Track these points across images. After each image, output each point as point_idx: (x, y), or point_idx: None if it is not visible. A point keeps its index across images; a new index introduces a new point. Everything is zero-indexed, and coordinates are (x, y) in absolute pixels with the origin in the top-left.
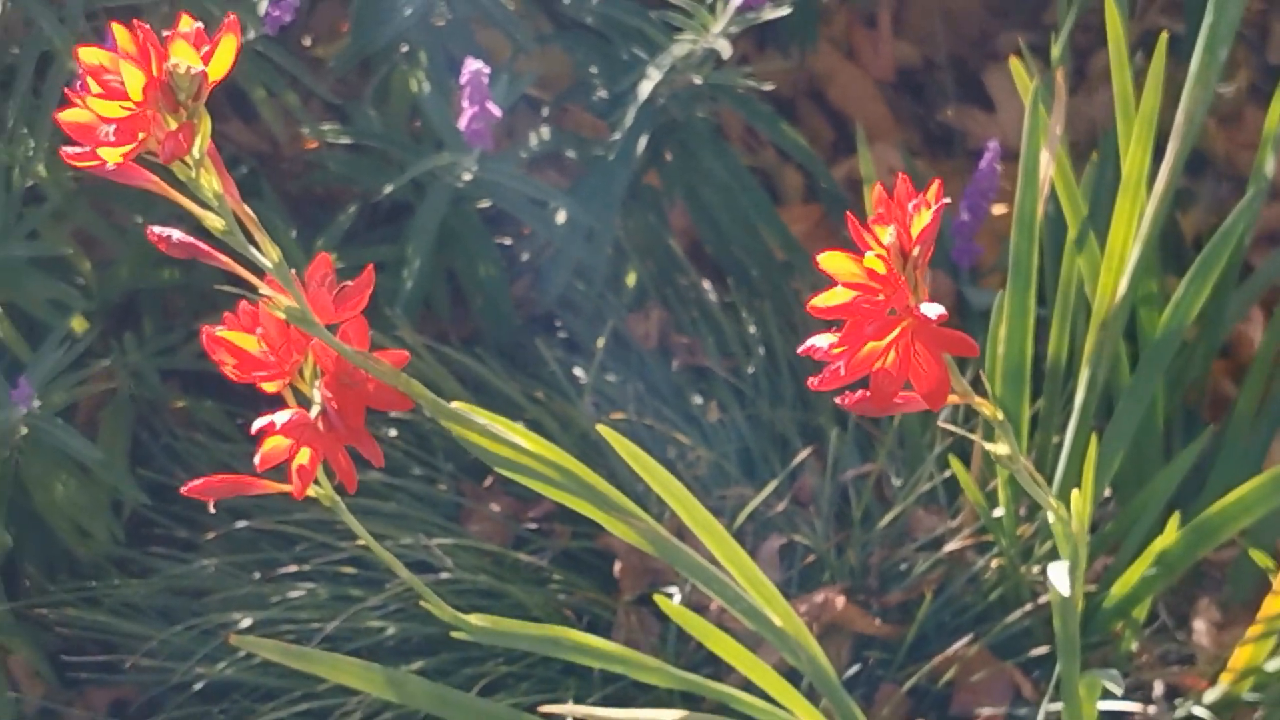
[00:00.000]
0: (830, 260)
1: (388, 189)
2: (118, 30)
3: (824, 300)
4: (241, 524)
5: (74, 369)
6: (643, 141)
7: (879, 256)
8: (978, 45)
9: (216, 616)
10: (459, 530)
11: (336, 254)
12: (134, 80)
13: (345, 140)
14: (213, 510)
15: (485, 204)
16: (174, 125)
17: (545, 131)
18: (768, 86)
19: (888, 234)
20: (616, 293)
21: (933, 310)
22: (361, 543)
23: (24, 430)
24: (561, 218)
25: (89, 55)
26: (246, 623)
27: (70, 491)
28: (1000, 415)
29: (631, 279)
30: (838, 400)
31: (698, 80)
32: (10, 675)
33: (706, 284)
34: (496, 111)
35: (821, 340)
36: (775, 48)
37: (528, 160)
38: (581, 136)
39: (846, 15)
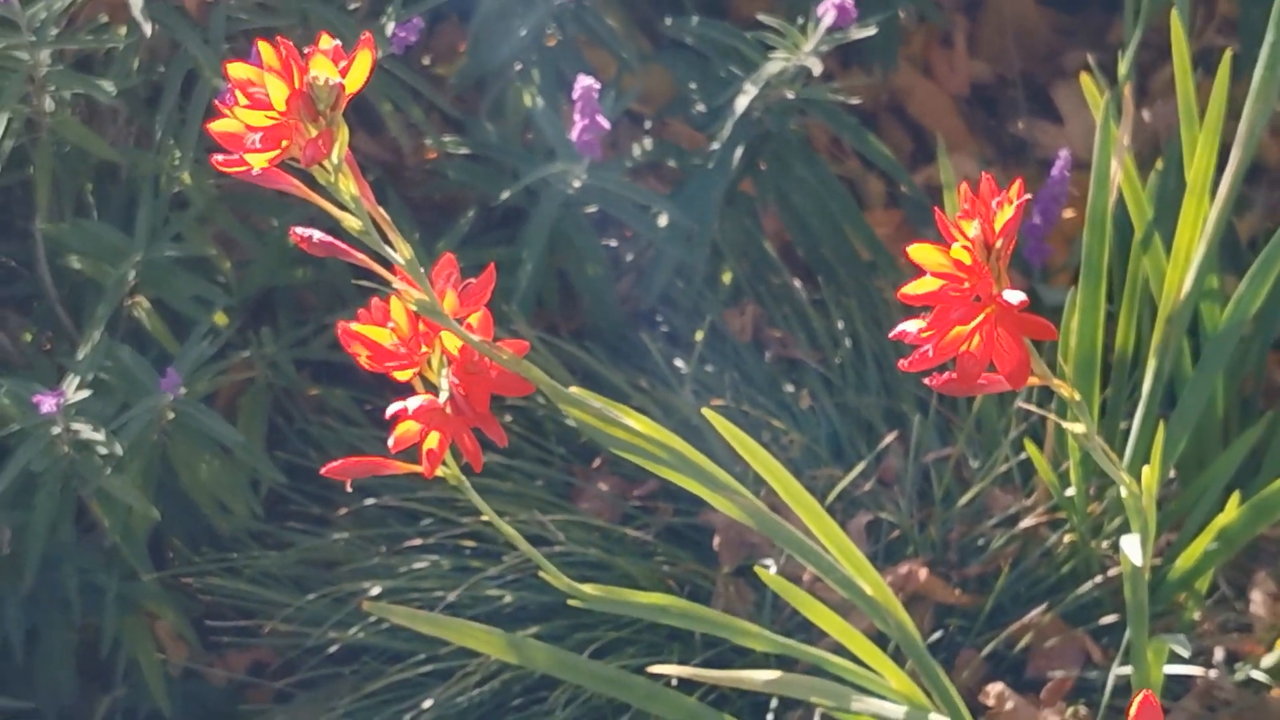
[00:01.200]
0: (919, 251)
1: (503, 195)
2: (263, 47)
3: (914, 288)
4: (370, 501)
5: (216, 360)
6: (739, 152)
7: (964, 247)
8: (1046, 62)
9: (347, 585)
10: (570, 507)
11: (456, 255)
12: (278, 92)
13: (464, 150)
14: (348, 489)
15: (593, 209)
16: (314, 133)
17: (648, 143)
18: (853, 101)
19: (973, 227)
20: (714, 290)
21: (1014, 296)
22: (480, 518)
23: (171, 415)
24: (663, 221)
25: (237, 70)
26: (375, 591)
27: (213, 471)
28: (1077, 396)
29: (728, 277)
30: (925, 381)
31: (790, 95)
32: (157, 638)
33: (797, 282)
34: (605, 124)
35: (911, 326)
36: (859, 65)
37: (632, 169)
38: (681, 147)
39: (924, 35)
